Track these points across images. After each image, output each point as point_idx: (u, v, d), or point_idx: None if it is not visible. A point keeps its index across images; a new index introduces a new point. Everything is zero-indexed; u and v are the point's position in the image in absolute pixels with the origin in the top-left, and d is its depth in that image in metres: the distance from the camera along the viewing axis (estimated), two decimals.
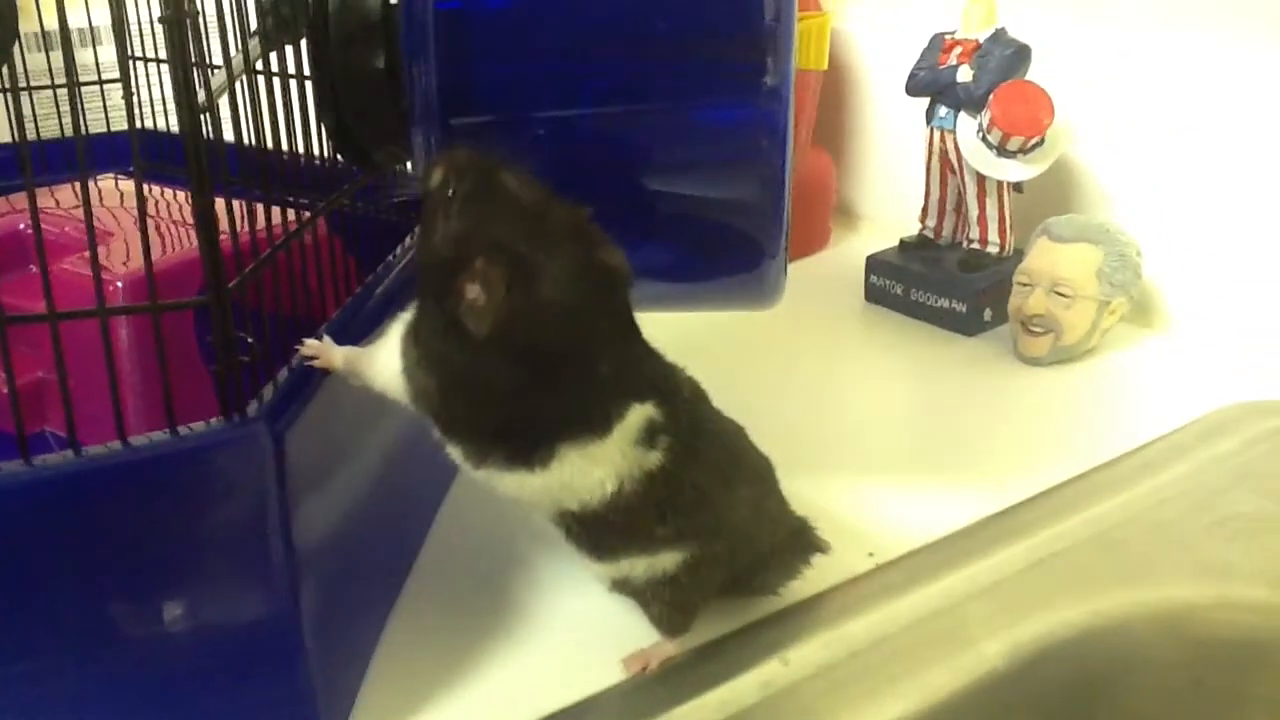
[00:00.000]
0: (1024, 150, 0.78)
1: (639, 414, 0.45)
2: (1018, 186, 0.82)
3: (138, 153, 0.46)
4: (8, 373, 0.43)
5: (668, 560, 0.48)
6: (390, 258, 0.61)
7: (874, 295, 0.87)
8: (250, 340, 0.45)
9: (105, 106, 0.83)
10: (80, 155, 0.44)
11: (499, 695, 0.49)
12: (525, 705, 0.48)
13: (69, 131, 0.77)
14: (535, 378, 0.44)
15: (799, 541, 0.53)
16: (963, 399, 0.74)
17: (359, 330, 0.51)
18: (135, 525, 0.44)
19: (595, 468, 0.45)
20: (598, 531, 0.47)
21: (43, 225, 0.65)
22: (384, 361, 0.47)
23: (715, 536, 0.48)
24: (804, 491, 0.53)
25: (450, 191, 0.44)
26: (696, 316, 0.83)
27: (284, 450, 0.45)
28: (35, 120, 0.79)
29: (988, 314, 0.82)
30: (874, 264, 0.87)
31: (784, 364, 0.79)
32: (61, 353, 0.43)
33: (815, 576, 0.54)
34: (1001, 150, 0.78)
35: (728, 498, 0.48)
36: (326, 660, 0.47)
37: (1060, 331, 0.75)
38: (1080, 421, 0.71)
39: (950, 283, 0.82)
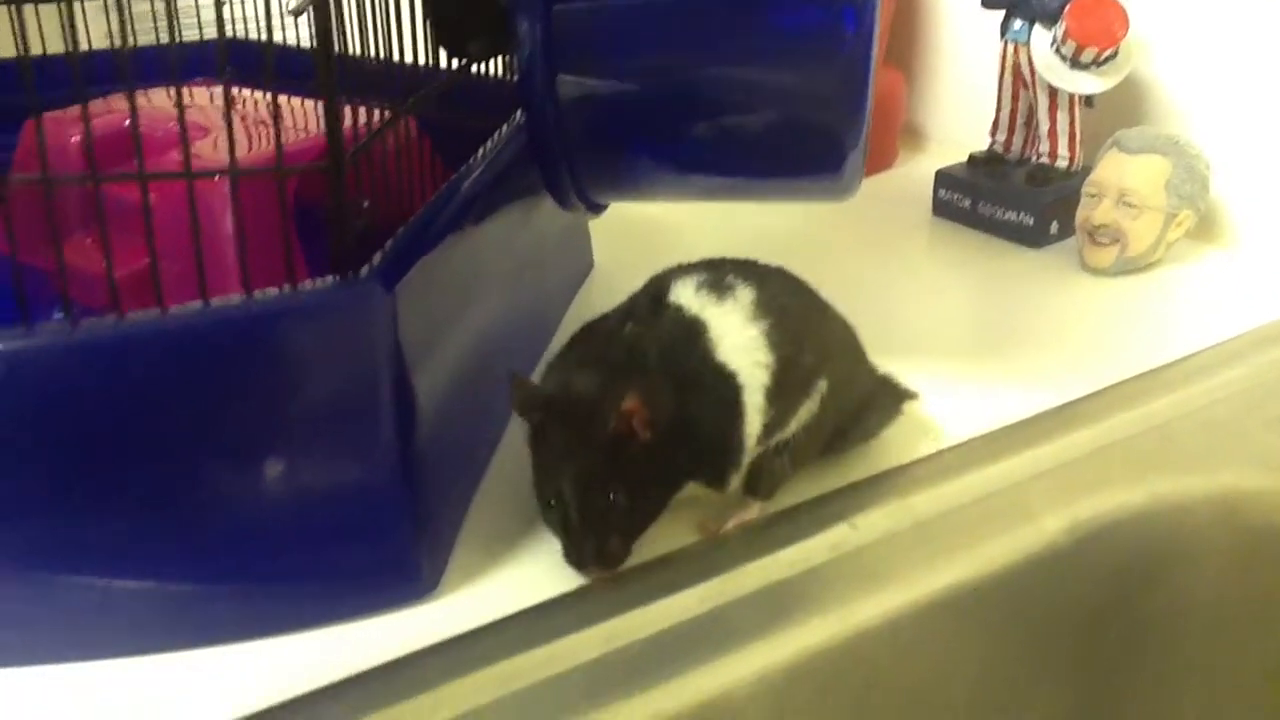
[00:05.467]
0: (1097, 62, 0.79)
1: (685, 291, 0.52)
2: (1088, 101, 0.83)
3: (270, 60, 0.49)
4: (147, 223, 0.46)
5: (810, 408, 0.52)
6: (471, 161, 0.64)
7: (941, 209, 0.89)
8: (366, 204, 0.48)
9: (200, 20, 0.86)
10: (222, 58, 0.47)
11: None
12: None
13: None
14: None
15: (887, 388, 0.58)
16: (1028, 307, 0.75)
17: (440, 229, 0.54)
18: (257, 380, 0.47)
19: (734, 335, 0.50)
20: (783, 403, 0.51)
21: (145, 123, 0.69)
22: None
23: (836, 357, 0.53)
24: None
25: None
26: (764, 232, 0.86)
27: (398, 309, 0.48)
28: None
29: (1054, 227, 0.83)
30: (942, 178, 0.89)
31: (851, 275, 0.80)
32: (196, 208, 0.46)
33: (883, 456, 0.57)
34: (1075, 62, 0.79)
35: (826, 320, 0.55)
36: (427, 522, 0.50)
37: (1126, 242, 0.76)
38: (1142, 330, 0.72)
39: (1018, 196, 0.84)
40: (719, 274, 0.52)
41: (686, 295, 0.52)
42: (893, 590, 0.51)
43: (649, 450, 0.47)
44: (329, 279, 0.48)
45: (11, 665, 0.46)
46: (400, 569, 0.49)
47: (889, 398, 0.58)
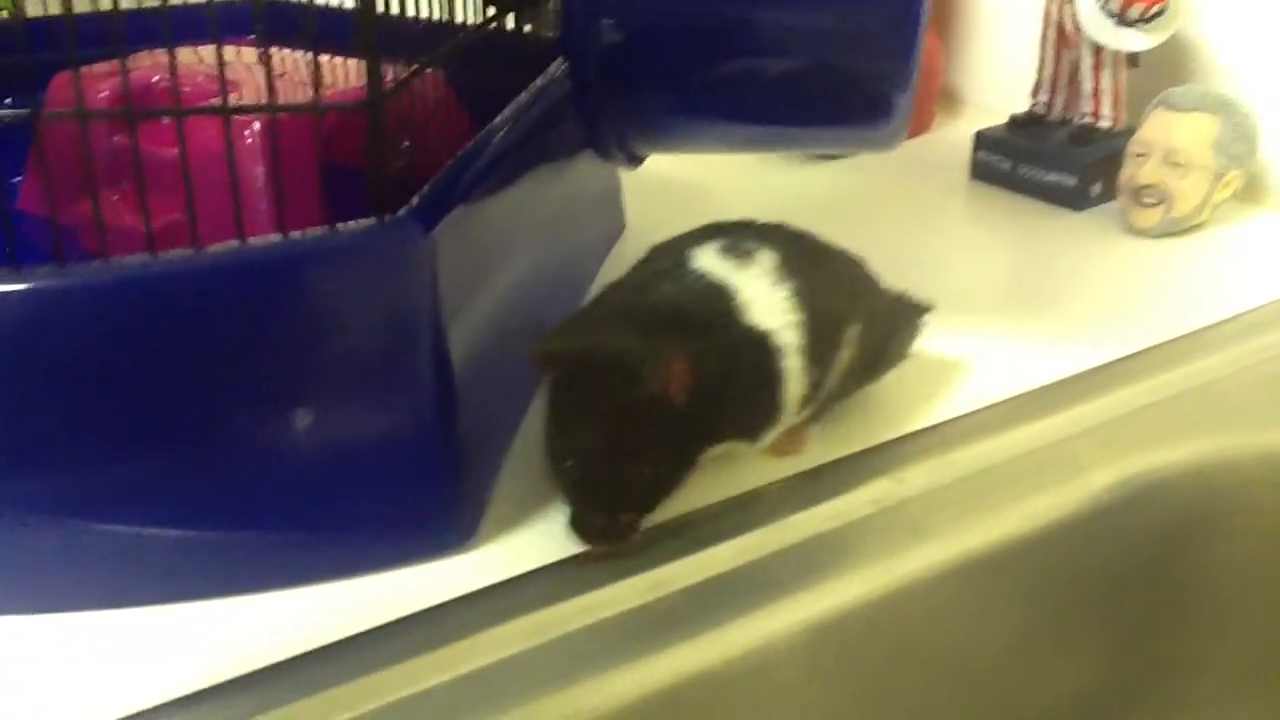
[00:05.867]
0: (1144, 19, 0.77)
1: (706, 257, 0.50)
2: (1133, 60, 0.81)
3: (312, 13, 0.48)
4: (183, 160, 0.45)
5: (846, 355, 0.52)
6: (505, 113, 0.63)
7: (980, 172, 0.87)
8: (406, 144, 0.47)
9: None
10: (258, 11, 0.47)
11: None
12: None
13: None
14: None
15: (905, 306, 0.58)
16: (1070, 268, 0.74)
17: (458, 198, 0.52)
18: (293, 323, 0.46)
19: (765, 297, 0.49)
20: (820, 359, 0.50)
21: (181, 76, 0.68)
22: None
23: (863, 298, 0.53)
24: None
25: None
26: (797, 194, 0.85)
27: (437, 251, 0.47)
28: None
29: (1096, 189, 0.81)
30: (982, 139, 0.87)
31: (888, 237, 0.78)
32: (231, 136, 0.45)
33: (925, 411, 0.56)
34: (1121, 19, 0.77)
35: (845, 263, 0.55)
36: (463, 471, 0.49)
37: (1172, 202, 0.75)
38: (1187, 291, 0.71)
39: (1059, 156, 0.82)
40: (733, 239, 0.51)
41: (709, 261, 0.50)
42: (936, 545, 0.50)
43: (681, 416, 0.45)
44: (367, 220, 0.47)
45: (44, 612, 0.45)
46: (436, 519, 0.48)
47: (908, 316, 0.58)
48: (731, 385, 0.47)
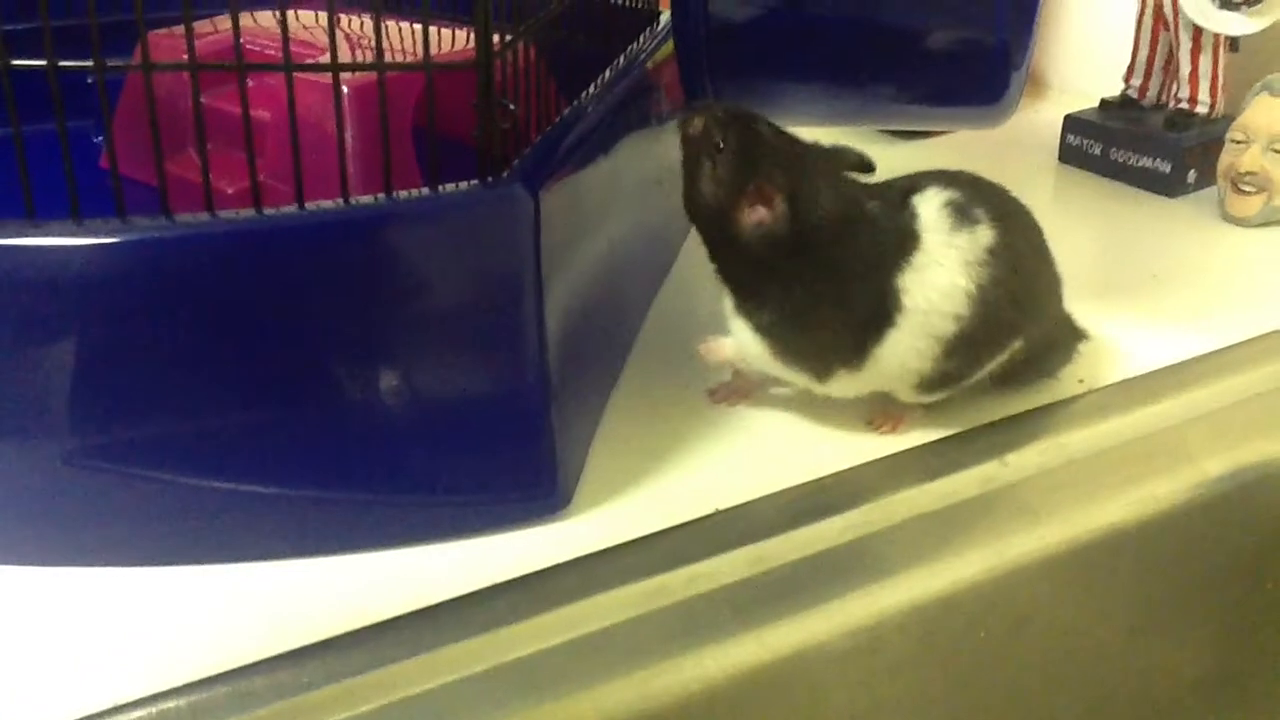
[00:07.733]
0: (1248, 2, 0.75)
1: (931, 201, 0.49)
2: (1233, 44, 0.79)
3: None
4: (291, 117, 0.45)
5: (1000, 359, 0.51)
6: (590, 89, 0.61)
7: (1069, 156, 0.86)
8: (512, 106, 0.46)
9: None
10: None
11: (717, 473, 0.50)
12: (739, 484, 0.49)
13: None
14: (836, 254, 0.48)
15: (1068, 327, 0.56)
16: (1165, 254, 0.72)
17: (557, 163, 0.51)
18: (396, 282, 0.45)
19: (938, 273, 0.48)
20: (968, 357, 0.50)
21: (261, 40, 0.67)
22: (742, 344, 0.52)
23: (1040, 317, 0.52)
24: None
25: (718, 143, 0.50)
26: (879, 174, 0.83)
27: (540, 212, 0.46)
28: None
29: (1192, 175, 0.79)
30: (1072, 123, 0.85)
31: None
32: (321, 100, 0.44)
33: (1026, 396, 0.55)
34: (1224, 2, 0.75)
35: (1048, 275, 0.53)
36: (562, 431, 0.48)
37: (1273, 191, 0.73)
38: None
39: (1154, 141, 0.80)
40: (969, 199, 0.49)
41: (929, 208, 0.49)
42: (1046, 528, 0.48)
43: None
44: (470, 181, 0.46)
45: (141, 565, 0.45)
46: (532, 483, 0.47)
47: (1068, 340, 0.56)
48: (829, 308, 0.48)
